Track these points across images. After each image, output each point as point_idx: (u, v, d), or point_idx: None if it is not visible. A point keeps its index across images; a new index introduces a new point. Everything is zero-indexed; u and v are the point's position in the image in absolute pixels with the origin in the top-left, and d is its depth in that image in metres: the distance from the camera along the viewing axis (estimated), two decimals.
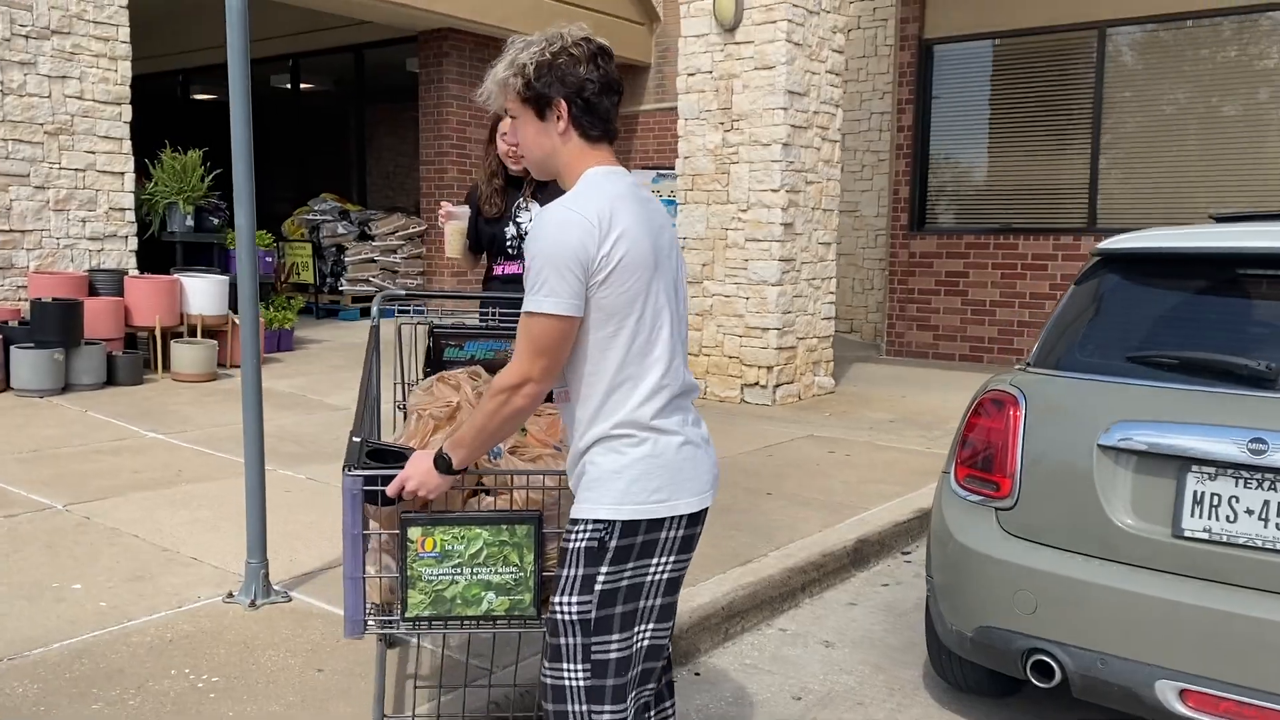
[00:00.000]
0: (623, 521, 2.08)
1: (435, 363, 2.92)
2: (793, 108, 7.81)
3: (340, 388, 7.86)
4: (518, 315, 3.27)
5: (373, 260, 11.71)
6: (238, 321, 8.37)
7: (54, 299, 7.21)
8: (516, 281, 4.21)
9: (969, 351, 10.26)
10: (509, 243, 4.22)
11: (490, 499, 2.35)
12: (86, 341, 7.29)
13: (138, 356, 7.66)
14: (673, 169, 12.90)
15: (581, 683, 2.10)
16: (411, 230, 12.03)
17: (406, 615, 2.23)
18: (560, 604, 2.11)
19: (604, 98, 2.15)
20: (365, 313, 11.68)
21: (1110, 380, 2.88)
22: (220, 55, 14.25)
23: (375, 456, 2.27)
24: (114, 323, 7.62)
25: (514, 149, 4.09)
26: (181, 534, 4.39)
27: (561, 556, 2.14)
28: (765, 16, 7.77)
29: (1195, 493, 2.66)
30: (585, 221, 2.03)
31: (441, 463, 2.17)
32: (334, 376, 8.30)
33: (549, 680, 2.14)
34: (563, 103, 2.12)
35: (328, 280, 11.66)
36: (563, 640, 2.11)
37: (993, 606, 2.94)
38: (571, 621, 2.10)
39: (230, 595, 3.68)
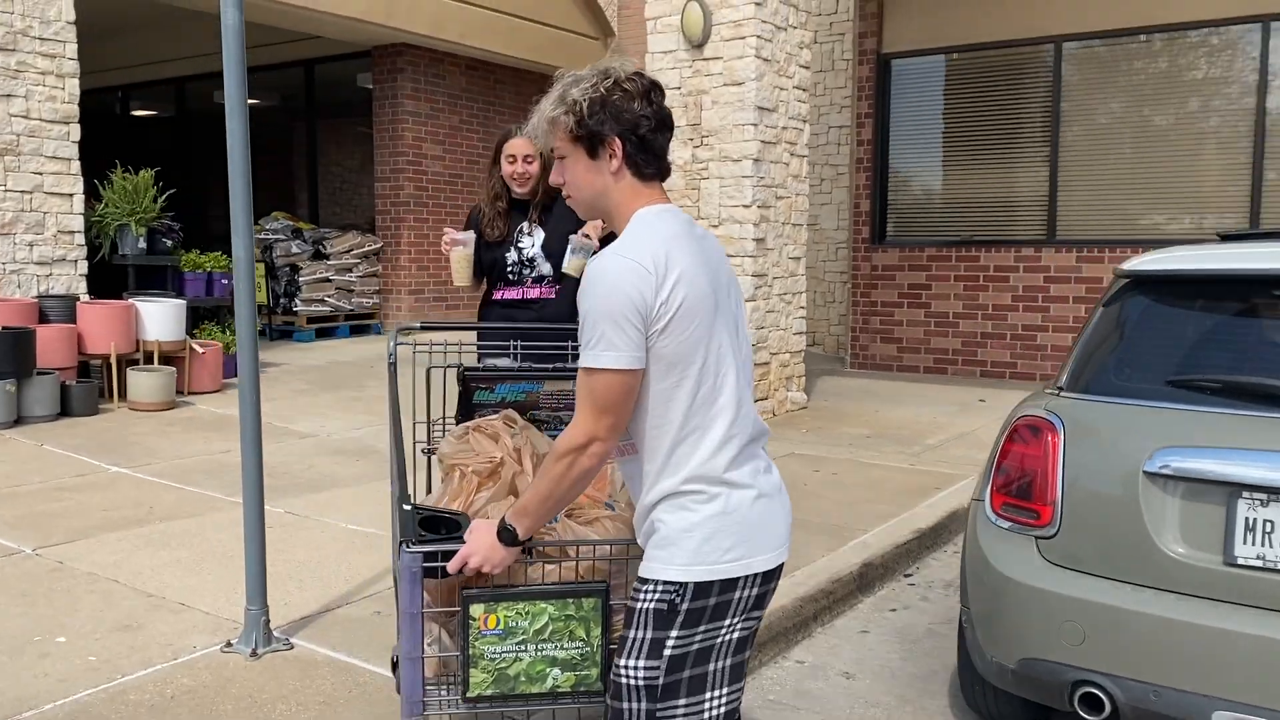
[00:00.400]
0: (695, 584, 1.97)
1: (465, 406, 2.76)
2: (762, 123, 7.78)
3: (306, 414, 7.63)
4: (535, 347, 3.13)
5: (328, 280, 11.44)
6: (196, 348, 8.13)
7: (4, 328, 6.89)
8: (515, 306, 4.04)
9: (933, 364, 10.32)
10: (509, 268, 4.07)
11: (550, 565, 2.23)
12: (38, 371, 6.98)
13: (92, 386, 7.36)
14: None
15: None
16: (367, 248, 11.79)
17: (468, 695, 2.10)
18: (625, 668, 2.00)
19: (658, 135, 2.06)
20: (321, 333, 11.41)
21: (1151, 405, 2.84)
22: (162, 71, 13.88)
23: (427, 525, 2.13)
24: (67, 351, 7.32)
25: (522, 175, 3.98)
26: (164, 577, 4.18)
27: (628, 616, 2.03)
28: (734, 33, 7.73)
29: (1247, 519, 2.62)
30: (640, 268, 1.93)
31: (505, 534, 2.07)
32: (297, 402, 8.06)
33: None
34: (617, 141, 2.02)
35: (281, 301, 11.36)
36: (626, 705, 2.00)
37: (1037, 638, 2.87)
38: (637, 687, 1.99)
39: (229, 644, 3.50)
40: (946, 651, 3.84)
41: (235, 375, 8.76)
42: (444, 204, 12.12)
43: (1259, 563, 2.60)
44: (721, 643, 2.04)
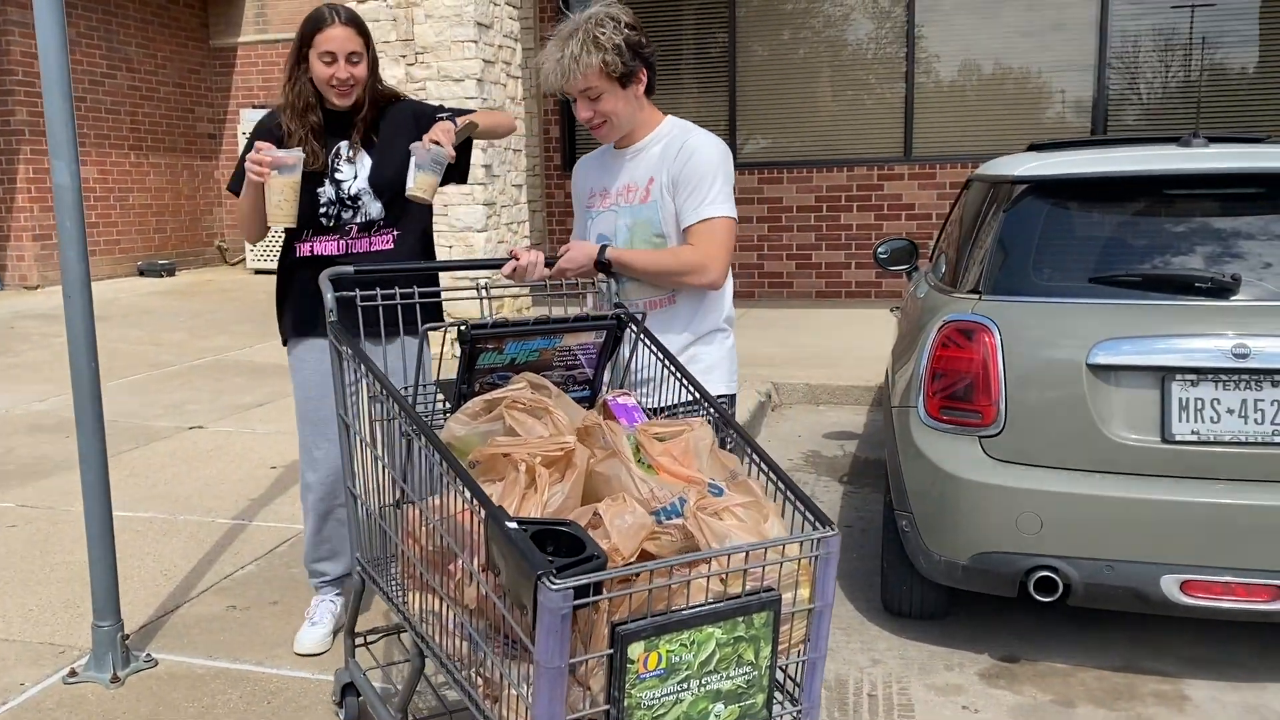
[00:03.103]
0: (732, 394, 2.69)
1: (466, 372, 2.18)
2: (482, 40, 7.36)
3: None
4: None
5: None
6: None
7: None
8: (337, 263, 2.79)
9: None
10: (323, 209, 2.92)
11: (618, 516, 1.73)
12: None
13: None
14: None
15: None
16: None
17: None
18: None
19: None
20: None
21: (1081, 301, 3.01)
22: None
23: (538, 541, 1.64)
24: None
25: (344, 80, 2.84)
26: None
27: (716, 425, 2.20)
28: None
29: (1180, 399, 2.87)
30: (726, 147, 2.57)
31: (600, 264, 2.47)
32: None
33: None
34: (644, 70, 2.48)
35: None
36: None
37: (991, 532, 2.98)
38: None
39: (73, 673, 2.78)
40: None
41: None
42: None
43: (1194, 437, 2.86)
44: None
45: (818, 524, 1.81)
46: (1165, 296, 2.97)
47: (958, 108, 9.65)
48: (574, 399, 2.27)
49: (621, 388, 2.40)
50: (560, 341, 2.26)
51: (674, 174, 2.48)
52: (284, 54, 12.24)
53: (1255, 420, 2.83)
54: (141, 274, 11.27)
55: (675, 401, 2.32)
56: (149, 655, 2.88)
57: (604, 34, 2.36)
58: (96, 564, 2.76)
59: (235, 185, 2.90)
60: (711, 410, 2.18)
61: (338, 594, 3.06)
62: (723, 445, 2.14)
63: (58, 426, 5.49)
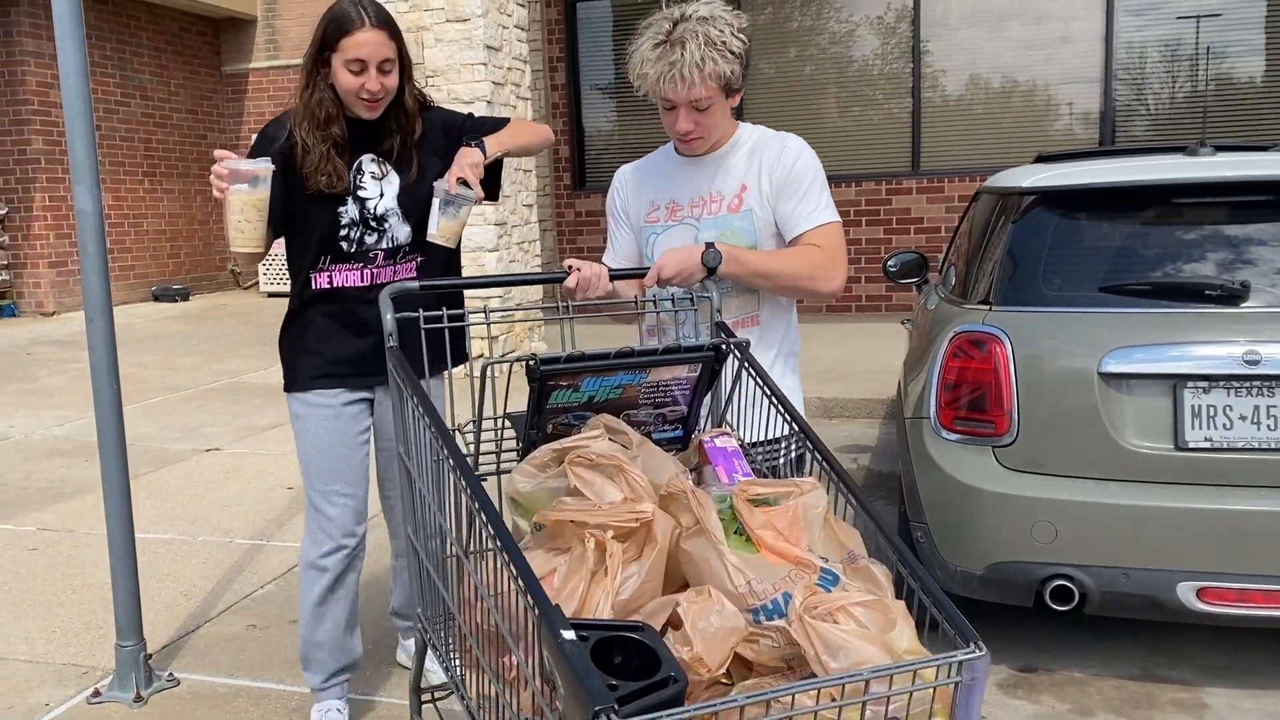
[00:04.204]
0: None
1: (536, 413, 1.87)
2: (491, 63, 7.44)
3: None
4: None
5: None
6: None
7: None
8: (359, 301, 2.57)
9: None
10: (344, 231, 2.54)
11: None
12: None
13: None
14: None
15: None
16: None
17: None
18: None
19: None
20: None
21: (1091, 310, 3.03)
22: None
23: (601, 653, 1.32)
24: None
25: (374, 93, 2.44)
26: None
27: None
28: None
29: (1193, 407, 2.88)
30: None
31: (710, 259, 2.13)
32: None
33: None
34: (744, 81, 2.24)
35: None
36: None
37: (1007, 541, 2.99)
38: None
39: (97, 693, 2.81)
40: None
41: None
42: None
43: (1207, 444, 2.87)
44: None
45: (961, 640, 1.41)
46: (1176, 304, 2.99)
47: (965, 122, 9.69)
48: (664, 440, 1.96)
49: (722, 425, 2.08)
50: (647, 376, 1.91)
51: (778, 180, 2.26)
52: (296, 80, 12.36)
53: (1268, 426, 2.84)
54: (156, 299, 11.36)
55: (758, 439, 2.09)
56: (171, 674, 2.91)
57: (721, 38, 2.10)
58: (119, 584, 2.79)
59: None
60: (810, 451, 1.90)
61: (347, 683, 2.70)
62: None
63: (76, 451, 5.53)
